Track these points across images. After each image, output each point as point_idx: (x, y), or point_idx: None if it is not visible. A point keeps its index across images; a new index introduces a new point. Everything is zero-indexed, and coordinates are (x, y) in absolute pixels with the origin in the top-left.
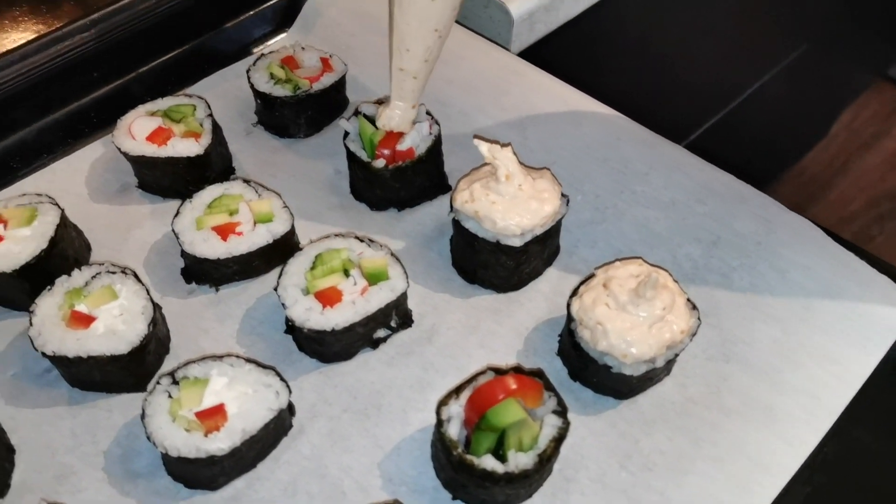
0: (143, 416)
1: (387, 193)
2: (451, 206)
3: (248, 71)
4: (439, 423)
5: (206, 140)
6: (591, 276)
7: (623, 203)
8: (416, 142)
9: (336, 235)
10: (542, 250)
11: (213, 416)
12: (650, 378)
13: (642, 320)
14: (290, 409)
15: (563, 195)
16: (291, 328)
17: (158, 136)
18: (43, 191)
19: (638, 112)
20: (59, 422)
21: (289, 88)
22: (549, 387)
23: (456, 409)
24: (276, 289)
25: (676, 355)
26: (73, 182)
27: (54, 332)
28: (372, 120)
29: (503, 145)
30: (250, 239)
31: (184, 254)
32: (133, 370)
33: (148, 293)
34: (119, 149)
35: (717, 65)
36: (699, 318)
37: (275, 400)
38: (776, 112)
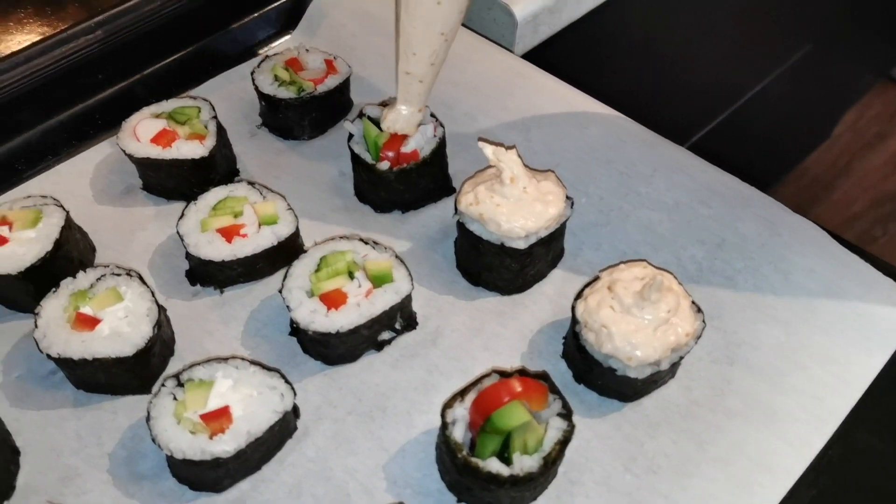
0: (148, 419)
1: (391, 195)
2: (456, 209)
3: (252, 73)
4: (444, 426)
5: (210, 142)
6: (596, 279)
7: (627, 205)
8: (420, 144)
9: (341, 238)
10: (546, 253)
11: (218, 419)
12: (655, 381)
13: (647, 323)
14: (295, 411)
15: (567, 197)
16: (296, 330)
17: (163, 138)
18: (48, 192)
19: (641, 113)
20: (63, 424)
21: (293, 90)
22: (554, 389)
23: (461, 411)
24: (280, 291)
25: (681, 358)
26: (77, 184)
27: (59, 334)
28: (376, 122)
29: (508, 148)
30: (255, 241)
31: (188, 256)
32: (138, 372)
33: (153, 295)
34: (124, 151)
35: (720, 66)
36: (704, 321)
37: (280, 402)
38: (779, 113)
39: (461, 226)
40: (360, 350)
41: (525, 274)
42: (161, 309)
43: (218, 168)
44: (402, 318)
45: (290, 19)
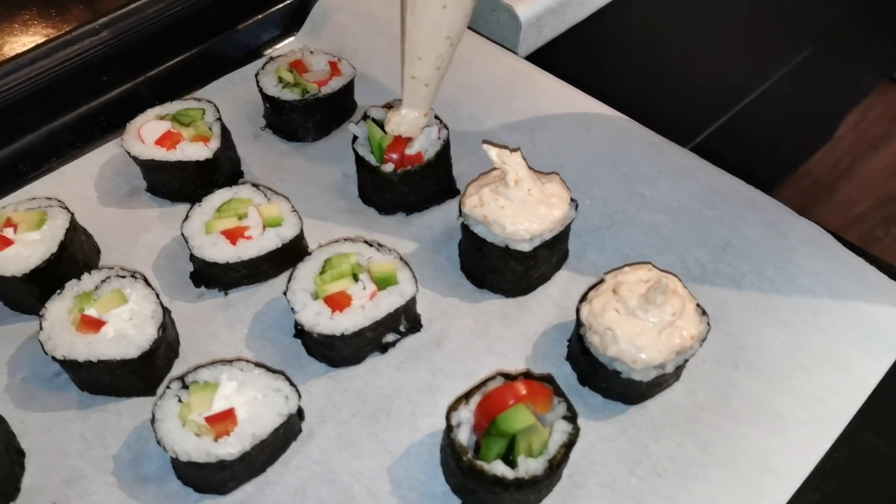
0: (153, 421)
1: (395, 198)
2: (460, 211)
3: (256, 75)
4: (449, 429)
5: (214, 144)
6: (601, 282)
7: (631, 207)
8: (424, 146)
9: (345, 240)
10: (550, 255)
11: (223, 421)
12: (659, 384)
13: (652, 326)
14: (300, 413)
15: (571, 200)
16: (300, 332)
17: (167, 140)
18: (52, 194)
19: (644, 115)
20: (68, 425)
21: (297, 92)
22: (559, 392)
23: (465, 414)
24: (285, 293)
25: (686, 361)
26: (82, 185)
27: (64, 336)
28: (381, 124)
29: (512, 150)
30: (259, 243)
31: (193, 258)
32: (143, 374)
33: (157, 297)
34: (128, 152)
35: (723, 68)
36: (709, 324)
37: (284, 404)
38: (781, 115)
39: (465, 228)
40: (365, 352)
41: (529, 276)
42: (166, 311)
43: (222, 170)
44: (406, 320)
45: (293, 21)
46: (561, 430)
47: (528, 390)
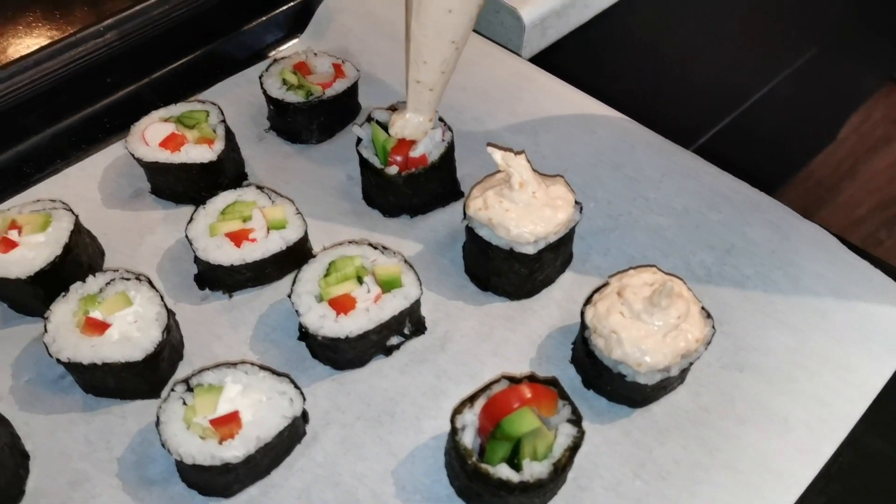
0: (157, 423)
1: (399, 200)
2: (465, 214)
3: (260, 77)
4: (454, 432)
5: (219, 146)
6: (605, 285)
7: (636, 210)
8: (428, 148)
9: (349, 242)
10: (555, 258)
11: (227, 424)
12: (664, 387)
13: (657, 329)
14: (304, 416)
15: (576, 202)
16: (305, 335)
17: (172, 142)
18: (56, 196)
19: (647, 116)
20: (73, 428)
21: (301, 94)
22: (564, 395)
23: (470, 417)
24: (289, 296)
25: (691, 364)
26: (86, 188)
27: (69, 338)
28: (385, 126)
29: (517, 153)
30: (264, 245)
31: (197, 260)
32: (147, 377)
33: (162, 300)
34: (132, 154)
35: (726, 69)
36: (714, 327)
37: (289, 407)
38: (784, 116)
39: (470, 231)
40: (369, 355)
41: (534, 279)
42: (170, 313)
43: (226, 172)
44: (410, 323)
45: (297, 23)
46: (566, 433)
47: (533, 393)
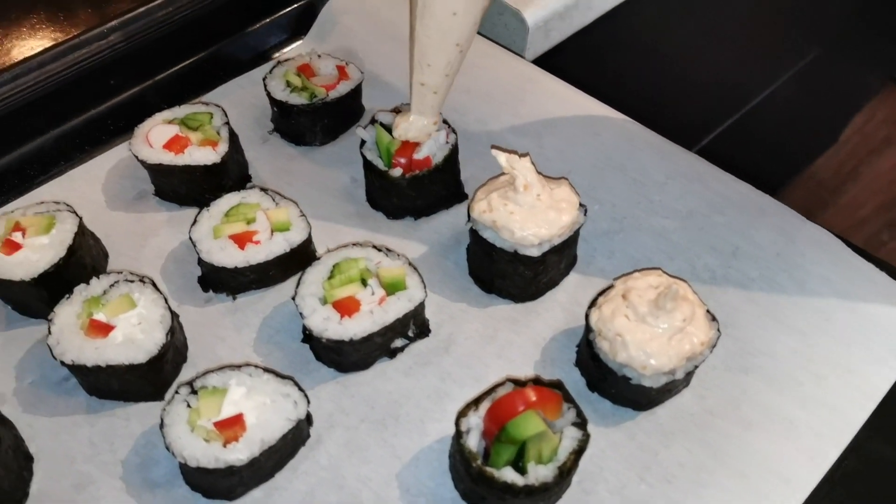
0: (161, 426)
1: (403, 202)
2: (469, 216)
3: (264, 79)
4: (459, 435)
5: (222, 148)
6: (610, 287)
7: (641, 212)
8: (432, 151)
9: (353, 245)
10: (559, 260)
11: (232, 426)
12: (669, 390)
13: (662, 332)
14: (308, 419)
15: (580, 205)
16: (309, 337)
17: (176, 144)
18: (60, 198)
19: (649, 117)
20: (77, 430)
21: (305, 96)
22: (569, 398)
23: (475, 420)
24: (294, 298)
25: (696, 367)
26: (90, 189)
27: (73, 340)
28: (389, 128)
29: (521, 155)
30: (268, 248)
31: (201, 262)
32: (151, 379)
33: (166, 302)
34: (136, 157)
35: (729, 70)
36: (719, 330)
37: (293, 410)
38: (787, 117)
39: (474, 233)
40: (373, 357)
41: (538, 281)
42: (174, 315)
43: (230, 174)
44: (414, 325)
45: (301, 25)
46: (571, 436)
47: (538, 396)
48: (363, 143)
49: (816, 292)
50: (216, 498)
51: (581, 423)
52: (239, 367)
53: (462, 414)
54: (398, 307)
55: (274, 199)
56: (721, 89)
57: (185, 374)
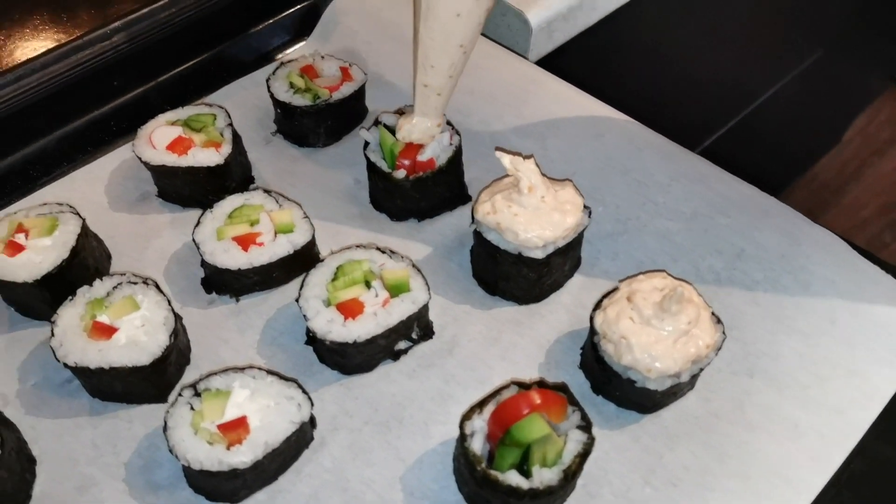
0: (165, 429)
1: (407, 204)
2: (473, 218)
3: (267, 80)
4: (463, 438)
5: (226, 149)
6: (615, 290)
7: (645, 214)
8: (436, 152)
9: (357, 246)
10: (563, 262)
11: (235, 429)
12: (674, 392)
13: (667, 335)
14: (312, 421)
15: (585, 207)
16: (312, 339)
17: (179, 146)
18: (63, 200)
19: (652, 118)
20: (80, 432)
21: (308, 98)
22: (574, 401)
23: (479, 423)
24: (297, 300)
25: (701, 370)
26: (93, 191)
27: (76, 342)
28: (392, 130)
29: (525, 157)
30: (271, 249)
31: (204, 264)
32: (154, 381)
33: (169, 304)
34: (139, 158)
35: (731, 71)
36: (724, 333)
37: (297, 413)
38: (789, 118)
39: (478, 235)
40: (377, 360)
41: (542, 283)
42: (177, 317)
43: (233, 175)
44: (418, 327)
45: (304, 26)
46: (575, 439)
47: (543, 399)
48: (367, 144)
49: (821, 294)
50: (219, 501)
51: (586, 426)
52: (242, 369)
53: (466, 417)
54: (402, 309)
55: (277, 201)
56: (723, 90)
57: (189, 376)
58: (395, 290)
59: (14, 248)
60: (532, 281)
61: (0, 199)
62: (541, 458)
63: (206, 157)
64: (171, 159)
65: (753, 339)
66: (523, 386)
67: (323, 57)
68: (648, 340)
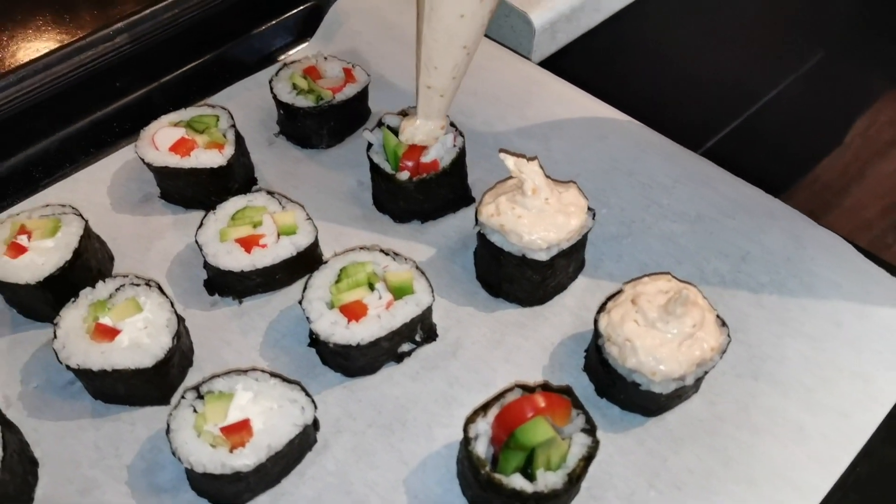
0: (168, 431)
1: (410, 205)
2: (477, 220)
3: (270, 81)
4: (467, 441)
5: (229, 151)
6: (620, 292)
7: (649, 217)
8: (440, 154)
9: (361, 248)
10: (567, 264)
11: (238, 432)
12: (679, 396)
13: (672, 337)
14: (315, 424)
15: (589, 209)
16: (315, 341)
17: (182, 147)
18: (65, 201)
19: (654, 119)
20: (82, 434)
21: (311, 99)
22: (578, 404)
23: (483, 426)
24: (300, 302)
25: (706, 373)
26: (95, 192)
27: (79, 344)
28: (396, 131)
29: (529, 159)
30: (274, 251)
31: (207, 265)
32: (157, 383)
33: (172, 306)
34: (142, 159)
35: (734, 72)
36: (729, 336)
37: (300, 415)
38: (791, 119)
39: (482, 237)
40: (380, 362)
41: (546, 286)
42: (180, 319)
43: (236, 177)
44: (422, 329)
45: (307, 27)
46: (580, 443)
47: (547, 402)
48: (370, 146)
49: (826, 297)
50: (223, 503)
51: (590, 429)
52: (245, 371)
53: (470, 420)
54: (406, 311)
55: (280, 203)
56: (725, 91)
57: (192, 378)
58: (399, 292)
59: (17, 250)
60: (536, 283)
61: (3, 201)
62: (545, 462)
63: (208, 158)
64: (174, 160)
65: (758, 341)
66: (527, 389)
67: (326, 58)
68: (653, 343)
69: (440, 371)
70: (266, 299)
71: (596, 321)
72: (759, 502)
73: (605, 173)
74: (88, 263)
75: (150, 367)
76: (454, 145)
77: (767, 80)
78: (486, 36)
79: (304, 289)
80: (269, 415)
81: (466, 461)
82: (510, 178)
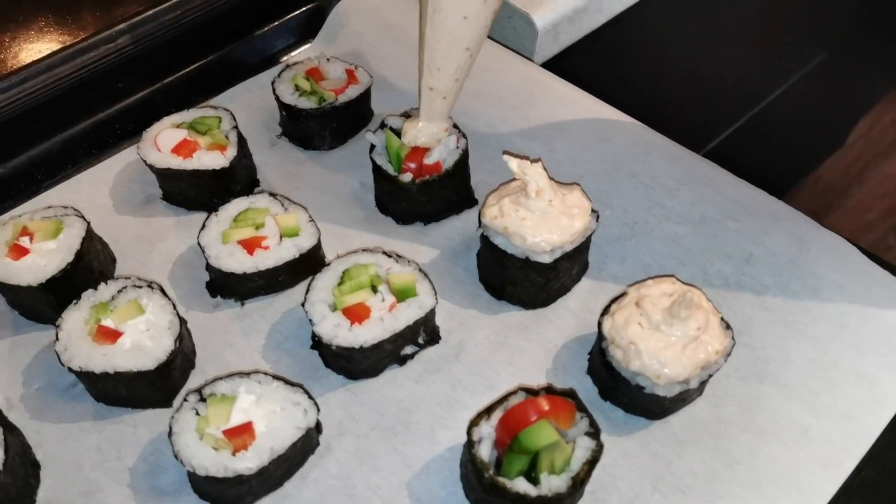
0: (170, 434)
1: (413, 207)
2: (480, 222)
3: (272, 82)
4: (470, 445)
5: (231, 152)
6: (623, 295)
7: (653, 218)
8: (443, 155)
9: (363, 250)
10: (571, 267)
11: (241, 435)
12: (683, 398)
13: (676, 340)
14: (318, 426)
15: (592, 211)
16: (318, 344)
17: (184, 149)
18: (67, 202)
19: (657, 120)
20: (84, 437)
21: (314, 100)
22: (582, 408)
23: (487, 429)
24: (303, 304)
25: (710, 375)
26: (97, 194)
27: (81, 346)
28: (398, 133)
29: (533, 161)
30: (277, 253)
31: (209, 267)
32: (159, 386)
33: (174, 308)
34: (144, 161)
35: (737, 73)
36: (733, 338)
37: (303, 418)
38: (794, 120)
39: (485, 239)
40: (383, 364)
41: (549, 288)
42: (182, 321)
43: (238, 178)
44: (425, 332)
45: (310, 28)
46: (584, 446)
47: (551, 406)
48: (373, 147)
49: (830, 299)
50: None
51: (594, 432)
52: (248, 374)
53: (474, 423)
54: (409, 314)
55: (283, 204)
56: (728, 92)
57: (194, 380)
58: (402, 294)
59: (18, 252)
60: (539, 285)
61: (5, 202)
62: (549, 465)
63: (211, 159)
64: (176, 162)
65: (763, 344)
66: (531, 392)
67: (328, 59)
68: (657, 346)
69: (443, 374)
70: (268, 301)
71: (600, 324)
72: None
73: (608, 175)
74: (90, 265)
75: (152, 369)
76: (457, 147)
77: (769, 81)
78: (488, 37)
79: (307, 291)
80: (272, 417)
81: (470, 464)
82: (513, 179)
